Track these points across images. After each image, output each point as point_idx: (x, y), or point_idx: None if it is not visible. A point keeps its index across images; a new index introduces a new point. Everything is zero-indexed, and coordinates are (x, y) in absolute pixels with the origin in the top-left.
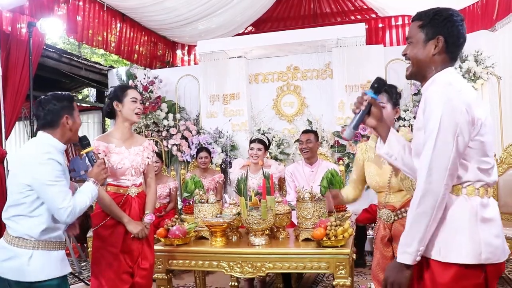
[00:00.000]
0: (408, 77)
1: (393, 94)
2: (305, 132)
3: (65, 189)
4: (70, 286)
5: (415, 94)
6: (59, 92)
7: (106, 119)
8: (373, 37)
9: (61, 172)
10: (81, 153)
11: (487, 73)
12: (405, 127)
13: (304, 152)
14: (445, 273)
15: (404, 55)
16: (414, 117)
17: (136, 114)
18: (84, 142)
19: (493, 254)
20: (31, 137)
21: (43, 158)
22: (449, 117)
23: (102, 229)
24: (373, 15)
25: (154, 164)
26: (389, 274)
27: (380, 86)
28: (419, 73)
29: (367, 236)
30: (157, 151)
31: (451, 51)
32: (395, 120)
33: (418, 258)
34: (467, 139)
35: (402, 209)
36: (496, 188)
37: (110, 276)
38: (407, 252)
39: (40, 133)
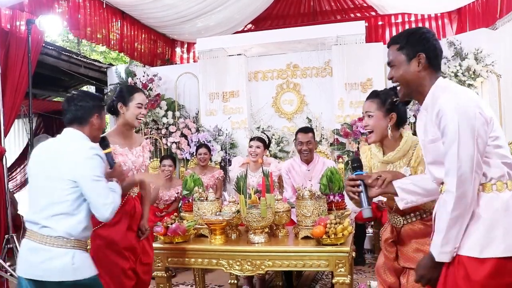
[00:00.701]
0: (402, 98)
1: (386, 101)
2: (304, 131)
3: (107, 186)
4: None
5: None
6: (91, 92)
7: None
8: (373, 35)
9: (104, 169)
10: (103, 152)
11: (487, 71)
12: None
13: (304, 153)
14: (480, 269)
15: (390, 78)
16: (414, 116)
17: (138, 119)
18: (104, 142)
19: None
20: (30, 135)
21: (90, 153)
22: (465, 124)
23: (102, 229)
24: (373, 13)
25: (167, 168)
26: (424, 272)
27: (359, 164)
28: (412, 92)
29: (367, 234)
30: (150, 149)
31: (434, 64)
32: (391, 127)
33: (454, 255)
34: (486, 139)
35: (412, 214)
36: None
37: (115, 274)
38: (445, 252)
39: (70, 129)
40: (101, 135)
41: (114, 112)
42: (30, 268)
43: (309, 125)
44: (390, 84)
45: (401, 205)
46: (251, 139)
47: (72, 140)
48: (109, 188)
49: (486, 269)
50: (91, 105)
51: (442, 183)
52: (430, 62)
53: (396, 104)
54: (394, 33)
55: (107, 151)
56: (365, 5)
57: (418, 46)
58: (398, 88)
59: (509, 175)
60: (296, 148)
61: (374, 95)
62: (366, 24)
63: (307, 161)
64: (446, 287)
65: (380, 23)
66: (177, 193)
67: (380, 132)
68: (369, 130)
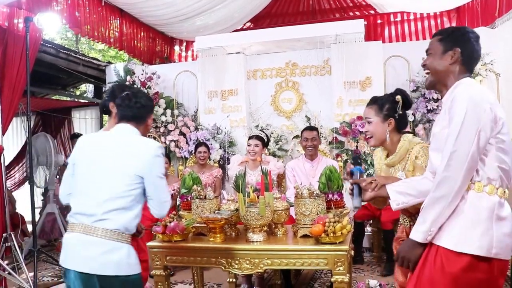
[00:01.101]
0: (428, 86)
1: (383, 106)
2: (309, 129)
3: (167, 184)
4: None
5: (413, 91)
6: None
7: (104, 116)
8: (372, 33)
9: None
10: None
11: (486, 70)
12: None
13: (309, 149)
14: (456, 262)
15: (424, 65)
16: (413, 114)
17: None
18: None
19: (503, 250)
20: (28, 133)
21: (158, 151)
22: (473, 112)
23: None
24: (372, 12)
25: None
26: (401, 249)
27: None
28: (438, 82)
29: (365, 233)
30: None
31: (467, 63)
32: (389, 132)
33: (429, 238)
34: (489, 135)
35: (417, 215)
36: None
37: None
38: (419, 231)
39: (127, 125)
40: None
41: (107, 112)
42: (84, 261)
43: (308, 124)
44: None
45: (393, 207)
46: (250, 138)
47: (133, 135)
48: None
49: (461, 263)
50: (150, 105)
51: None
52: (463, 59)
53: (394, 109)
54: (393, 32)
55: None
56: (364, 3)
57: (457, 41)
58: (427, 75)
59: (502, 181)
60: (301, 145)
61: (372, 101)
62: (365, 23)
63: (311, 158)
64: (422, 274)
65: (379, 21)
66: (173, 190)
67: (379, 137)
68: (369, 136)
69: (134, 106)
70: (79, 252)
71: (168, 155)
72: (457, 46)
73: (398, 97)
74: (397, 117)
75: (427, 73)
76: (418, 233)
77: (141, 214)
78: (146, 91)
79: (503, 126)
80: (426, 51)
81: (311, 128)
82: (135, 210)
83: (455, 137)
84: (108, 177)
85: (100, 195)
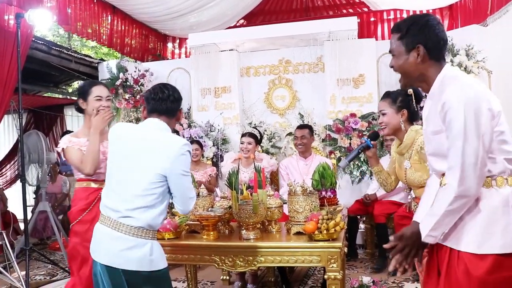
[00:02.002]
0: (403, 87)
1: (397, 99)
2: (300, 127)
3: (191, 181)
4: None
5: None
6: None
7: None
8: (365, 30)
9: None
10: None
11: (478, 67)
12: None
13: (299, 147)
14: (480, 265)
15: (392, 67)
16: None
17: (99, 111)
18: None
19: None
20: (20, 131)
21: (184, 149)
22: (472, 120)
23: (79, 225)
24: (365, 9)
25: None
26: (409, 242)
27: (375, 136)
28: (413, 82)
29: (358, 230)
30: None
31: (435, 54)
32: (404, 122)
33: (439, 239)
34: (491, 136)
35: None
36: None
37: (86, 273)
38: (432, 236)
39: (157, 120)
40: None
41: (80, 110)
42: (109, 255)
43: (301, 121)
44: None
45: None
46: (243, 135)
47: (161, 131)
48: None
49: (485, 265)
50: (181, 98)
51: (443, 174)
52: (430, 53)
53: (407, 101)
54: (386, 30)
55: None
56: (357, 1)
57: (418, 36)
58: (399, 76)
59: (510, 171)
60: (293, 144)
61: (386, 95)
62: (359, 20)
63: (304, 156)
64: (448, 282)
65: (372, 19)
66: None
67: (393, 127)
68: (383, 126)
69: (168, 100)
70: (105, 246)
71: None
72: (419, 42)
73: (410, 91)
74: (409, 108)
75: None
76: (430, 237)
77: (166, 211)
78: (139, 88)
79: (499, 118)
80: (390, 52)
81: (301, 126)
82: (159, 208)
83: (461, 151)
84: (134, 174)
85: (125, 192)
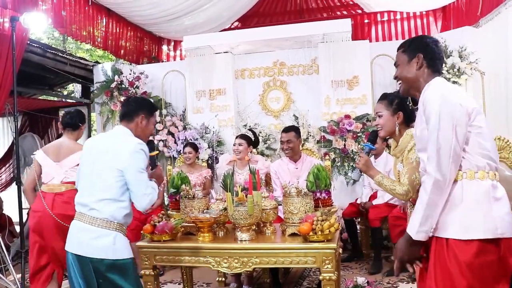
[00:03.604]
0: (403, 93)
1: (393, 101)
2: (286, 131)
3: (148, 179)
4: None
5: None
6: (148, 99)
7: (92, 115)
8: (359, 32)
9: (147, 164)
10: (150, 155)
11: (471, 68)
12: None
13: (286, 151)
14: (466, 250)
15: (395, 77)
16: None
17: None
18: (149, 146)
19: (507, 229)
20: (15, 134)
21: (137, 147)
22: (446, 111)
23: None
24: (359, 11)
25: None
26: (403, 253)
27: (373, 138)
28: (410, 88)
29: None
30: None
31: (432, 65)
32: (399, 124)
33: (430, 235)
34: (465, 129)
35: None
36: None
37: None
38: (422, 231)
39: (121, 125)
40: (151, 139)
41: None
42: (78, 245)
43: (296, 123)
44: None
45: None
46: (236, 137)
47: (122, 135)
48: (150, 182)
49: (471, 249)
50: (138, 105)
51: None
52: (428, 62)
53: (403, 104)
54: (379, 31)
55: (153, 153)
56: (351, 3)
57: (418, 48)
58: (400, 85)
59: (490, 166)
60: (280, 147)
61: (383, 97)
62: (352, 22)
63: (294, 159)
64: (437, 270)
65: (366, 21)
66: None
67: (388, 129)
68: (379, 128)
69: (124, 105)
70: (75, 237)
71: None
72: (419, 52)
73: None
74: (405, 111)
75: (400, 84)
76: (422, 234)
77: (130, 207)
78: (134, 91)
79: (478, 115)
80: (395, 64)
81: (287, 129)
82: (123, 202)
83: (436, 140)
84: (100, 172)
85: (93, 188)
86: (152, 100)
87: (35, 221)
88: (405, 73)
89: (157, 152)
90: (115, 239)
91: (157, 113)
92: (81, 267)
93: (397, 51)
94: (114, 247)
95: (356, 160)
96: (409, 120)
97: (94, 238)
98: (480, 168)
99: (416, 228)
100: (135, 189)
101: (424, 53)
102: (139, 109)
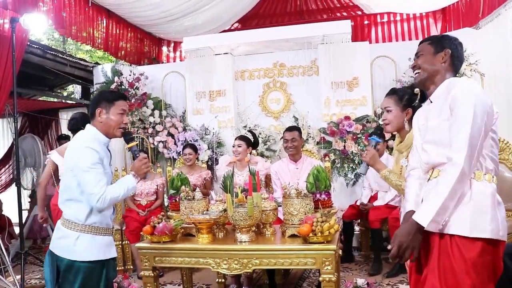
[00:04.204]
0: (418, 83)
1: (403, 97)
2: (289, 130)
3: (99, 177)
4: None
5: None
6: (112, 91)
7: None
8: (359, 34)
9: (98, 160)
10: (126, 147)
11: (471, 70)
12: None
13: (290, 150)
14: (472, 248)
15: (414, 66)
16: None
17: None
18: (127, 137)
19: (505, 232)
20: (15, 134)
21: (82, 145)
22: (481, 108)
23: None
24: (359, 12)
25: None
26: (405, 239)
27: (379, 132)
28: (428, 79)
29: (354, 232)
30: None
31: (455, 64)
32: (407, 121)
33: (440, 227)
34: (489, 128)
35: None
36: None
37: None
38: (437, 221)
39: (88, 125)
40: (128, 130)
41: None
42: (51, 241)
43: (295, 124)
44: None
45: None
46: (235, 139)
47: (80, 134)
48: (100, 179)
49: (476, 248)
50: (95, 100)
51: (433, 169)
52: (452, 60)
53: (413, 101)
54: (379, 32)
55: (130, 145)
56: (351, 4)
57: (447, 44)
58: (417, 72)
59: (495, 171)
60: (283, 146)
61: (392, 92)
62: (352, 24)
63: (295, 159)
64: (442, 265)
65: (366, 22)
66: (157, 185)
67: (397, 125)
68: (386, 123)
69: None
70: (54, 233)
71: (146, 151)
72: (448, 48)
73: (417, 90)
74: (414, 108)
75: (417, 73)
76: (434, 224)
77: (90, 208)
78: (134, 92)
79: (497, 120)
80: (416, 54)
81: (290, 129)
82: (84, 202)
83: (469, 133)
84: (63, 173)
85: (60, 189)
86: (114, 90)
87: (58, 211)
88: (428, 63)
89: (135, 142)
90: (76, 240)
91: (122, 102)
92: (51, 261)
93: (422, 42)
94: (74, 248)
95: (363, 152)
96: None
97: (59, 238)
98: (489, 171)
99: (432, 216)
100: (83, 188)
101: (452, 50)
102: (96, 104)
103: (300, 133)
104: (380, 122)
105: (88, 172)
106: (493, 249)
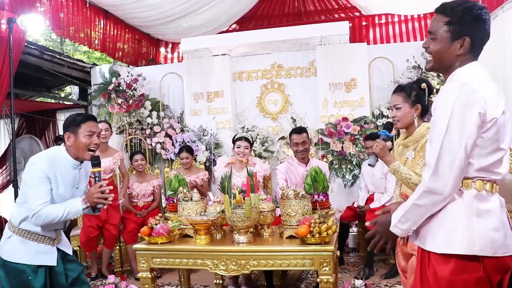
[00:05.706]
0: (428, 70)
1: (411, 94)
2: (298, 132)
3: (42, 194)
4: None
5: None
6: (81, 113)
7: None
8: (357, 35)
9: (44, 179)
10: (90, 171)
11: None
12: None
13: (301, 153)
14: (444, 266)
15: (426, 47)
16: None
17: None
18: (94, 162)
19: (489, 246)
20: (12, 136)
21: (31, 162)
22: (458, 121)
23: None
24: (357, 14)
25: (139, 162)
26: (380, 229)
27: (390, 127)
28: (440, 68)
29: (351, 233)
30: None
31: (475, 50)
32: (417, 116)
33: (408, 233)
34: (474, 141)
35: None
36: None
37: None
38: (399, 227)
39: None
40: (97, 155)
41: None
42: None
43: (293, 125)
44: (373, 85)
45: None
46: (238, 139)
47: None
48: (42, 197)
49: (449, 266)
50: (64, 125)
51: None
52: (472, 48)
53: (421, 96)
54: (377, 34)
55: (94, 170)
56: (349, 5)
57: (468, 28)
58: (429, 58)
59: (483, 177)
60: (292, 149)
61: (399, 89)
62: (350, 25)
63: (305, 162)
64: (421, 283)
65: (364, 23)
66: (153, 186)
67: (406, 121)
68: (396, 120)
69: None
70: None
71: (144, 152)
72: (467, 34)
73: (424, 85)
74: (423, 103)
75: (428, 58)
76: (396, 228)
77: (26, 216)
78: (131, 93)
79: (493, 125)
80: (429, 32)
81: (299, 131)
82: (22, 209)
83: (439, 146)
84: None
85: None
86: (80, 113)
87: None
88: (442, 52)
89: (101, 169)
90: (7, 240)
91: (90, 123)
92: None
93: (438, 13)
94: (3, 246)
95: (373, 146)
96: (424, 112)
97: (3, 236)
98: (467, 178)
99: (393, 222)
100: (26, 199)
101: (472, 36)
102: (65, 129)
103: (308, 134)
104: (378, 123)
105: (32, 187)
106: (476, 266)
